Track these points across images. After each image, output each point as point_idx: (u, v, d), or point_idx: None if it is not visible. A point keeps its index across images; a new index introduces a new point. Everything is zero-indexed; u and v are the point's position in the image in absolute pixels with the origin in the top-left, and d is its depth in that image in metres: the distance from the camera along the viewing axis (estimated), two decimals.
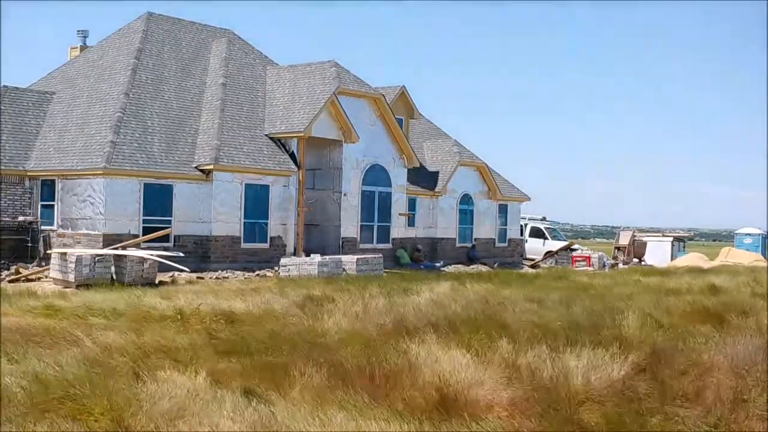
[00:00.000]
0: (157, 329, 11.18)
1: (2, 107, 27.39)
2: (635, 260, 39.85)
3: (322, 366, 8.54)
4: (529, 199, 40.17)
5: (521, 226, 40.98)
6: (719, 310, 14.19)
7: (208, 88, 29.79)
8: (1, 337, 10.04)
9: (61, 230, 25.27)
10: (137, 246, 22.16)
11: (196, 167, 26.18)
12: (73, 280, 18.99)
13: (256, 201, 27.15)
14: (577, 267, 34.06)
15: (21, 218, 25.61)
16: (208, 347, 9.87)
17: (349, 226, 29.93)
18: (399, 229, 32.09)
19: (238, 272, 24.96)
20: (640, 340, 10.63)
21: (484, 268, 32.38)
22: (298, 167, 28.14)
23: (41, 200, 26.06)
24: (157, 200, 25.15)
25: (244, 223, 26.87)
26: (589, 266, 34.44)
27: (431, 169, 35.67)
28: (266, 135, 28.66)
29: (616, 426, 6.95)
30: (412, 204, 33.67)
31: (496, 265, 34.26)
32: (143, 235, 23.75)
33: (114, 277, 19.75)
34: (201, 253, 25.79)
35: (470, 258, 35.48)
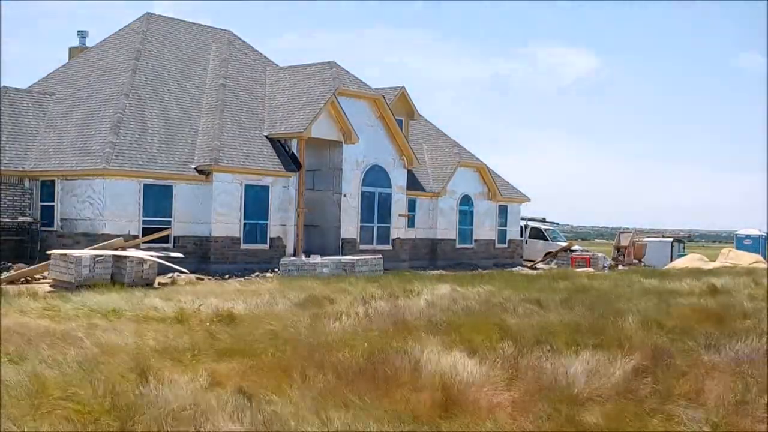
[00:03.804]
0: (158, 330, 11.17)
1: (2, 108, 27.39)
2: (635, 261, 39.86)
3: (323, 366, 8.53)
4: (528, 200, 40.25)
5: (521, 227, 41.01)
6: (719, 311, 14.19)
7: (207, 89, 29.80)
8: (1, 337, 10.02)
9: (60, 231, 25.28)
10: (137, 247, 22.13)
11: (195, 168, 26.18)
12: (73, 281, 18.96)
13: (256, 202, 27.16)
14: (576, 268, 34.04)
15: (21, 219, 25.60)
16: (208, 348, 9.86)
17: (349, 227, 29.94)
18: (399, 230, 32.10)
19: (238, 273, 24.95)
20: (641, 341, 10.62)
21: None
22: (298, 168, 28.14)
23: (41, 201, 26.06)
24: (157, 201, 25.16)
25: (244, 224, 26.87)
26: (589, 267, 34.43)
27: (431, 170, 35.70)
28: (266, 136, 28.67)
29: (617, 426, 6.95)
30: (412, 205, 33.69)
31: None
32: (143, 235, 23.74)
33: (113, 278, 19.71)
34: (201, 254, 25.79)
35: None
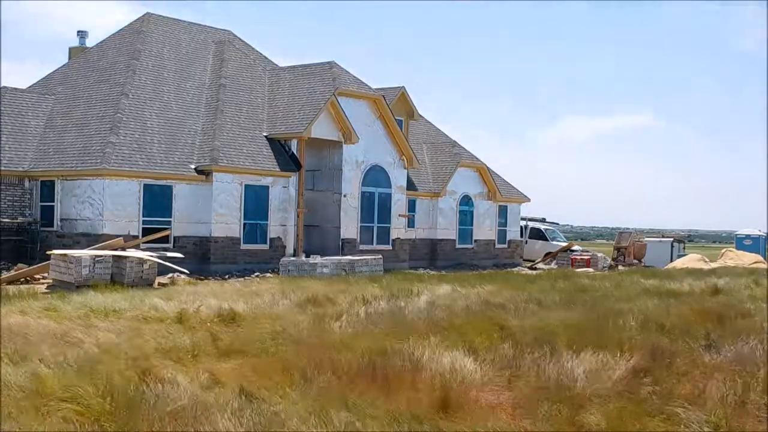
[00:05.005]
0: (158, 330, 11.16)
1: (2, 108, 27.38)
2: (635, 261, 39.88)
3: (323, 367, 8.53)
4: (528, 200, 40.27)
5: (521, 227, 41.02)
6: (720, 311, 14.17)
7: (207, 89, 29.80)
8: (1, 337, 10.02)
9: (60, 231, 25.28)
10: (137, 247, 22.11)
11: (195, 168, 26.17)
12: (73, 281, 18.96)
13: (256, 202, 27.16)
14: (576, 268, 34.02)
15: (21, 219, 25.59)
16: (209, 348, 9.85)
17: (349, 227, 29.94)
18: (399, 230, 32.10)
19: (238, 273, 24.95)
20: (641, 341, 10.61)
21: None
22: (298, 168, 28.14)
23: (41, 201, 26.05)
24: (157, 201, 25.16)
25: (244, 224, 26.87)
26: (589, 267, 34.41)
27: (431, 170, 35.71)
28: (266, 136, 28.66)
29: (618, 427, 6.94)
30: (412, 205, 33.69)
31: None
32: (143, 236, 23.73)
33: (113, 278, 19.69)
34: (201, 254, 25.78)
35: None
